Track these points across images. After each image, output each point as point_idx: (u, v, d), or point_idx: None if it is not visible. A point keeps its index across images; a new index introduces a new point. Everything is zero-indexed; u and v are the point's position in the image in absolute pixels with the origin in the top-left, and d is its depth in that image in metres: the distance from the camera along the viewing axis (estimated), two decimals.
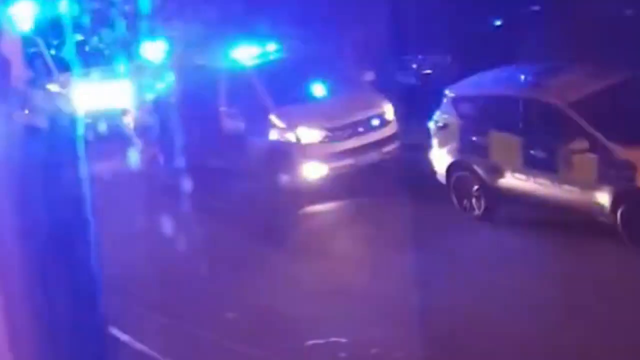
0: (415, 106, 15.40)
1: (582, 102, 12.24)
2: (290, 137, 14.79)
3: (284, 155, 14.68)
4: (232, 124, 15.26)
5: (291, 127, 14.81)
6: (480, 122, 13.24)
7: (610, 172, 11.62)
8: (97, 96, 19.18)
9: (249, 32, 16.16)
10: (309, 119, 14.85)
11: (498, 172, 12.89)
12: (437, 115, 13.87)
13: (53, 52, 20.52)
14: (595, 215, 11.89)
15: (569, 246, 11.91)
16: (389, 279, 11.75)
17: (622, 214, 11.56)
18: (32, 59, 18.29)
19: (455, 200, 13.45)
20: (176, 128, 15.36)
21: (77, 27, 20.44)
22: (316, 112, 14.94)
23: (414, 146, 14.70)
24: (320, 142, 14.80)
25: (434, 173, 13.77)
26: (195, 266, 12.39)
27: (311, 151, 14.72)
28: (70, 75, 19.42)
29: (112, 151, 17.00)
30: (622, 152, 11.56)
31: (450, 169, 13.51)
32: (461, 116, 13.51)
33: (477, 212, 13.24)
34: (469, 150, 13.27)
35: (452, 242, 12.39)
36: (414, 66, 18.92)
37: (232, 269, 12.48)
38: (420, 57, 18.85)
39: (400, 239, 12.84)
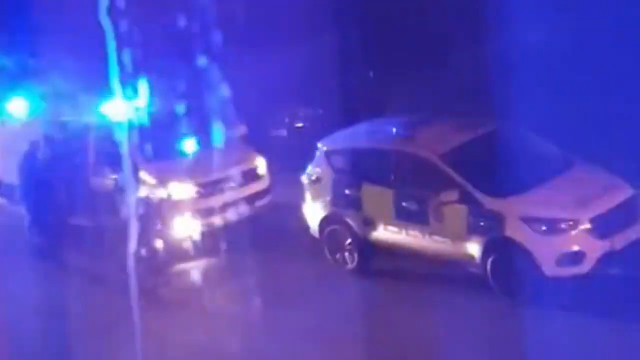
0: (288, 160, 15.39)
1: (452, 153, 12.41)
2: (161, 193, 14.53)
3: (155, 212, 14.38)
4: (101, 181, 14.89)
5: (162, 183, 14.56)
6: (352, 175, 13.26)
7: (480, 223, 11.75)
8: None
9: (118, 87, 15.85)
10: (180, 175, 14.64)
11: (371, 225, 12.91)
12: (310, 168, 13.86)
13: None
14: (466, 266, 11.99)
15: (441, 297, 11.95)
16: (262, 336, 11.62)
17: (491, 264, 11.69)
18: None
19: (328, 254, 13.39)
20: (43, 186, 14.94)
21: None
22: (187, 167, 14.72)
23: (287, 200, 14.62)
24: (192, 197, 14.59)
25: (307, 227, 13.70)
26: (60, 326, 12.12)
27: (183, 207, 14.48)
28: None
29: None
30: (490, 203, 11.71)
31: (323, 223, 13.46)
32: (334, 169, 13.51)
33: (350, 265, 13.20)
34: (341, 203, 13.26)
35: (325, 297, 12.29)
36: (286, 119, 18.90)
37: (104, 330, 12.14)
38: (292, 110, 18.85)
39: (274, 294, 12.74)
